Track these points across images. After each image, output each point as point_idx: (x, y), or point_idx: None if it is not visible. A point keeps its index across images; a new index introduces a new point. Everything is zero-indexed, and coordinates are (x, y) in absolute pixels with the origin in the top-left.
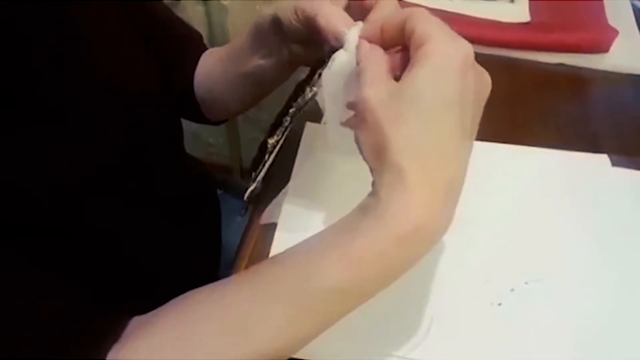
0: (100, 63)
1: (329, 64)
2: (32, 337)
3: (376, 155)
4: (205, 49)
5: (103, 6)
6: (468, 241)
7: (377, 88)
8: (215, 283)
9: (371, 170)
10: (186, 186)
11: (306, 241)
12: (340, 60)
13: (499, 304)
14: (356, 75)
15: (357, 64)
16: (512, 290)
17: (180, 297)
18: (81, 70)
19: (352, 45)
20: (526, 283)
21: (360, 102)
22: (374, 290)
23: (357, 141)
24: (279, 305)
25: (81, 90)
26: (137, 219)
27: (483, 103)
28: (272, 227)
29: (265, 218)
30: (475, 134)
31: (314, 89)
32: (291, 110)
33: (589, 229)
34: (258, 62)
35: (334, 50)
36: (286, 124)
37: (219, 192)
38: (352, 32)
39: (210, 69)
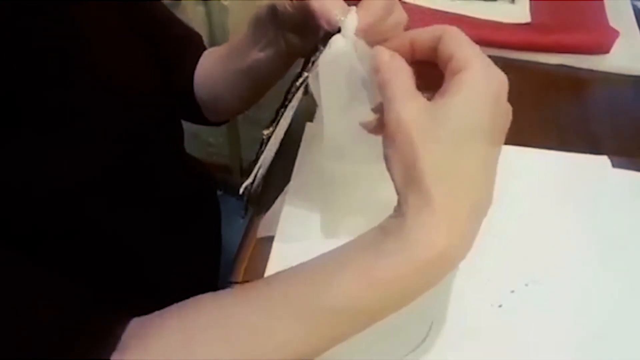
0: (100, 63)
1: (325, 49)
2: (32, 337)
3: (404, 175)
4: (205, 49)
5: (103, 6)
6: None
7: (409, 107)
8: (221, 292)
9: (397, 190)
10: (186, 186)
11: (320, 257)
12: (337, 45)
13: (499, 306)
14: (378, 85)
15: (375, 71)
16: (513, 291)
17: (184, 302)
18: (81, 71)
19: (350, 31)
20: (526, 285)
21: (392, 121)
22: (387, 312)
23: (385, 158)
24: (286, 320)
25: (81, 90)
26: (137, 219)
27: (506, 130)
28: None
29: (262, 231)
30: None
31: (305, 73)
32: (286, 103)
33: (589, 230)
34: (257, 55)
35: (328, 36)
36: (280, 115)
37: (218, 192)
38: (349, 18)
39: (211, 68)
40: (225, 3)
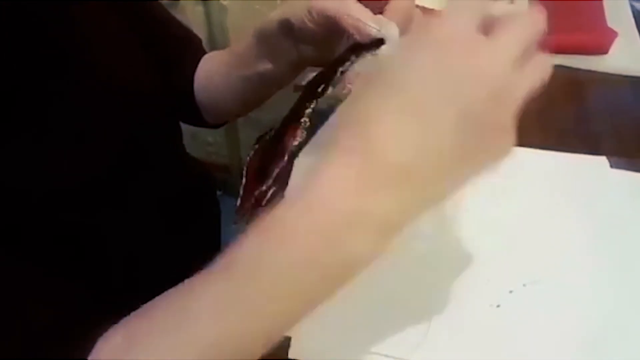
0: (100, 63)
1: (371, 58)
2: (30, 339)
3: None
4: (205, 53)
5: (103, 6)
6: (466, 243)
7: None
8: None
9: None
10: (186, 186)
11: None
12: (385, 54)
13: (498, 306)
14: None
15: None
16: (511, 292)
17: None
18: (81, 70)
19: (395, 40)
20: (524, 285)
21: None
22: (337, 279)
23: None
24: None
25: (81, 90)
26: (136, 219)
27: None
28: None
29: None
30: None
31: (349, 86)
32: (307, 111)
33: (588, 230)
34: (265, 65)
35: (358, 47)
36: (306, 125)
37: (218, 192)
38: (392, 28)
39: (213, 72)
40: (225, 3)
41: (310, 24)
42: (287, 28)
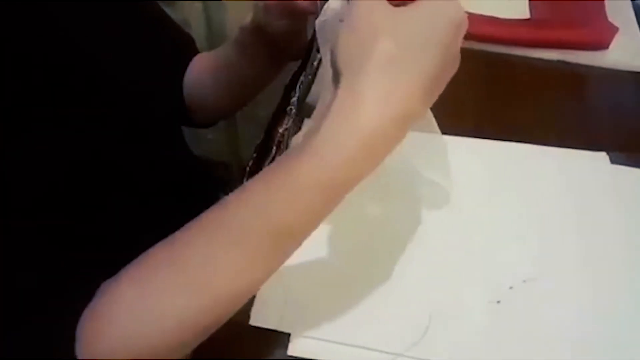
0: (96, 63)
1: (321, 14)
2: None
3: (349, 59)
4: (197, 52)
5: (96, 7)
6: (466, 239)
7: (378, 3)
8: (175, 234)
9: (337, 70)
10: (186, 184)
11: (261, 175)
12: (334, 7)
13: (498, 302)
14: None
15: None
16: (511, 288)
17: (145, 252)
18: (76, 71)
19: None
20: (524, 281)
21: (361, 7)
22: (318, 220)
23: (335, 39)
24: (226, 246)
25: (77, 90)
26: (136, 218)
27: (448, 76)
28: None
29: None
30: (430, 102)
31: (318, 55)
32: (292, 100)
33: (587, 226)
34: (245, 69)
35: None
36: (292, 112)
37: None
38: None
39: (203, 74)
40: (224, 0)
41: (274, 21)
42: (260, 32)
